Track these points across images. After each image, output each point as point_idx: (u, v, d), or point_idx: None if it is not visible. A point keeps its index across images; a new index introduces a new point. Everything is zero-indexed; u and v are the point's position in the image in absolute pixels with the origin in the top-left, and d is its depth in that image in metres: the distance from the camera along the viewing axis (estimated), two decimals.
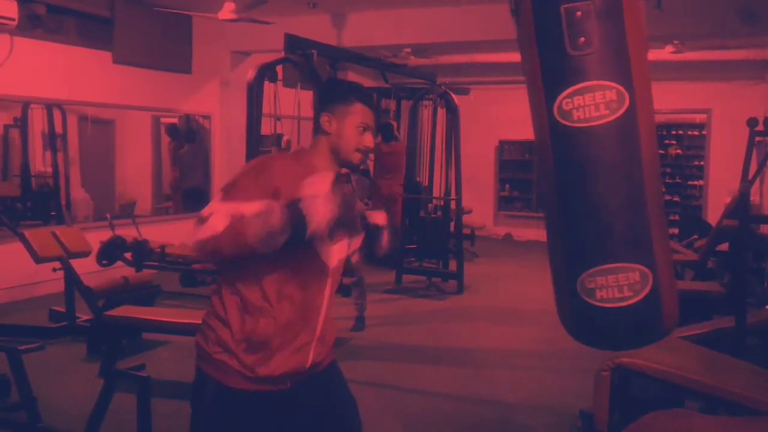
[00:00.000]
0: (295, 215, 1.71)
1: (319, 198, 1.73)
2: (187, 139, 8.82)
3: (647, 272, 1.98)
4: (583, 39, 1.98)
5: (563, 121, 2.00)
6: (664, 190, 11.12)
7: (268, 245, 1.71)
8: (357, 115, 1.97)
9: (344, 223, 1.84)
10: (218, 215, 1.75)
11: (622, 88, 1.97)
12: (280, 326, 1.87)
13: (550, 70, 2.03)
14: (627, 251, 2.01)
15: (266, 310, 1.86)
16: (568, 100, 1.99)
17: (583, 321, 2.08)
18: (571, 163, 2.04)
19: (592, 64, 1.99)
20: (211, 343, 1.90)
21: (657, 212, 2.05)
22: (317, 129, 2.01)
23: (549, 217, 2.18)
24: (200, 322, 1.99)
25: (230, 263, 1.86)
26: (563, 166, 2.06)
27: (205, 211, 1.79)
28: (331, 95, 2.03)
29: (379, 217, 2.06)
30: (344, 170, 2.02)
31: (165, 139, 8.88)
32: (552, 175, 2.08)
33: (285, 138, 6.44)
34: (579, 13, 1.98)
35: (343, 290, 6.33)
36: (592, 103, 1.97)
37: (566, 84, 1.99)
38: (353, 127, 1.97)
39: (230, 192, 1.84)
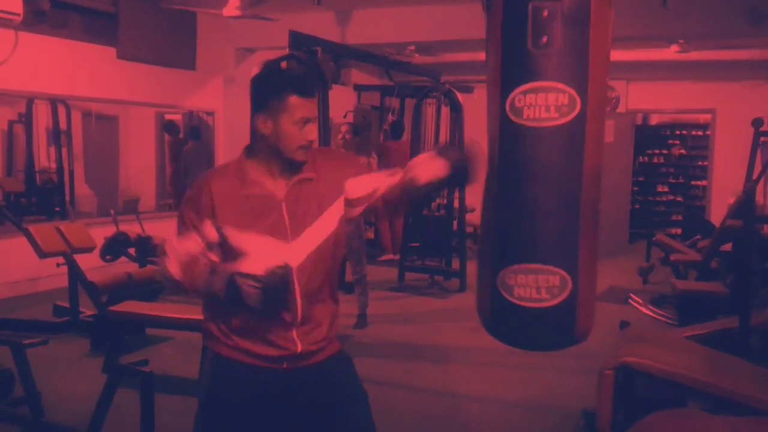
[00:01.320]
0: (231, 289, 1.77)
1: (248, 281, 1.75)
2: (191, 135, 8.83)
3: (567, 278, 1.99)
4: (545, 38, 1.98)
5: (513, 118, 2.01)
6: (662, 189, 11.01)
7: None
8: (293, 109, 1.81)
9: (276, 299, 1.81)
10: (171, 254, 1.84)
11: (575, 94, 1.97)
12: (247, 318, 1.87)
13: (509, 66, 2.03)
14: (552, 254, 2.02)
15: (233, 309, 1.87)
16: (521, 97, 1.99)
17: (499, 316, 2.12)
18: (514, 160, 2.06)
19: (549, 65, 1.99)
20: (207, 322, 1.98)
21: (589, 221, 2.06)
22: (253, 132, 1.89)
23: (485, 210, 2.19)
24: (203, 318, 2.03)
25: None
26: (506, 162, 2.07)
27: (166, 244, 1.87)
28: (261, 93, 1.86)
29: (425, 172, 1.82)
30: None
31: (167, 135, 8.89)
32: (495, 169, 2.10)
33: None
34: (546, 12, 1.98)
35: (345, 287, 6.34)
36: (543, 104, 1.97)
37: (522, 81, 1.99)
38: (291, 124, 1.82)
39: (178, 224, 1.93)
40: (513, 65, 2.03)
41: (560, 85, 1.97)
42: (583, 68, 1.99)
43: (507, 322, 2.12)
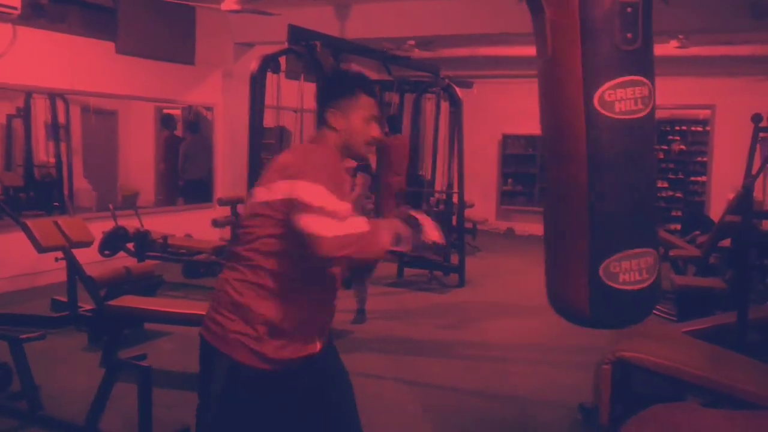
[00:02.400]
0: (413, 231, 1.87)
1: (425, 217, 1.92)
2: (189, 130, 8.82)
3: (656, 254, 2.15)
4: (630, 35, 2.08)
5: (605, 112, 2.07)
6: (662, 185, 11.12)
7: (386, 256, 1.88)
8: (363, 107, 1.97)
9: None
10: (356, 218, 1.79)
11: (651, 85, 2.11)
12: (302, 319, 1.92)
13: (595, 62, 2.10)
14: (646, 237, 2.16)
15: (293, 303, 1.89)
16: (611, 92, 2.07)
17: (602, 304, 2.18)
18: (610, 153, 2.12)
19: (634, 60, 2.11)
20: (228, 322, 1.90)
21: (656, 199, 2.29)
22: (322, 123, 1.99)
23: (569, 208, 2.22)
24: (202, 312, 2.01)
25: (272, 254, 1.87)
26: (600, 154, 2.13)
27: (336, 208, 1.76)
28: (335, 89, 2.01)
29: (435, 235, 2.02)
30: (349, 163, 2.04)
31: (164, 129, 8.87)
32: (583, 163, 2.14)
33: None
34: (630, 9, 2.08)
35: (344, 282, 6.33)
36: (632, 97, 2.09)
37: (611, 76, 2.08)
38: (361, 120, 1.96)
39: (337, 192, 1.81)
40: (601, 61, 2.11)
41: (641, 78, 2.10)
42: (652, 59, 2.15)
43: (615, 308, 2.20)
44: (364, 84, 2.01)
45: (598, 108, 2.07)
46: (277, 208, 1.83)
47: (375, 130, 1.99)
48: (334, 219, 1.74)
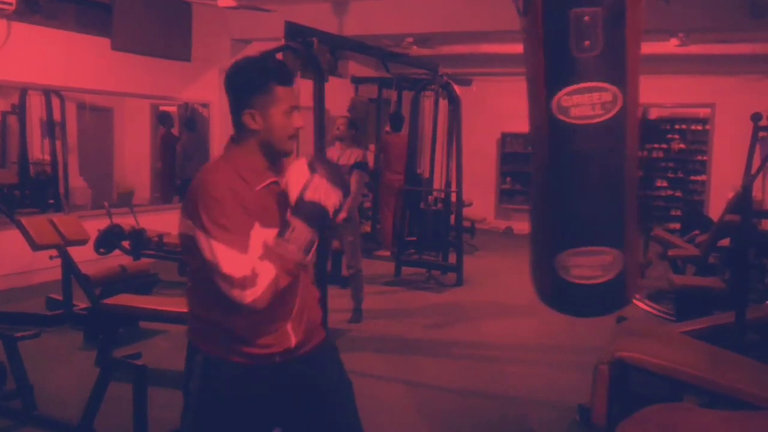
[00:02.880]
0: (314, 221, 1.76)
1: (318, 188, 1.76)
2: (187, 127, 8.79)
3: (618, 254, 2.24)
4: (587, 42, 2.15)
5: (561, 117, 2.18)
6: (661, 184, 11.17)
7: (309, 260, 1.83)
8: (281, 100, 1.81)
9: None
10: (260, 266, 1.73)
11: (617, 90, 2.17)
12: (252, 320, 1.83)
13: (553, 69, 2.21)
14: (604, 237, 2.27)
15: (233, 306, 1.79)
16: (567, 97, 2.17)
17: (559, 294, 2.36)
18: (565, 155, 2.26)
19: (592, 67, 2.18)
20: (198, 321, 1.92)
21: (632, 203, 2.32)
22: (239, 128, 1.85)
23: (535, 200, 2.44)
24: (195, 319, 1.97)
25: (199, 265, 1.81)
26: (557, 157, 2.27)
27: (237, 272, 1.71)
28: (245, 87, 1.82)
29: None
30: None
31: (161, 127, 8.84)
32: (545, 164, 2.31)
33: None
34: (587, 18, 2.14)
35: (340, 282, 6.32)
36: (589, 103, 2.17)
37: (567, 83, 2.18)
38: (281, 115, 1.82)
39: (230, 235, 1.74)
40: (557, 68, 2.21)
41: (603, 84, 2.17)
42: (622, 65, 2.20)
43: (566, 297, 2.36)
44: (276, 72, 1.83)
45: (556, 113, 2.18)
46: (190, 238, 1.80)
47: (297, 121, 1.84)
48: (244, 286, 1.71)
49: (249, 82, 1.83)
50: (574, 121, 2.17)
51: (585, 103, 2.16)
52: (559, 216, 2.31)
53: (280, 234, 1.77)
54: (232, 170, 1.83)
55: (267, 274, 1.73)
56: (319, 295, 2.08)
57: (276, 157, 1.89)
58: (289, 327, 1.90)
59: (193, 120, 8.77)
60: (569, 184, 2.27)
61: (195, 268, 1.87)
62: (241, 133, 1.87)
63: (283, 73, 1.84)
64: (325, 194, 1.77)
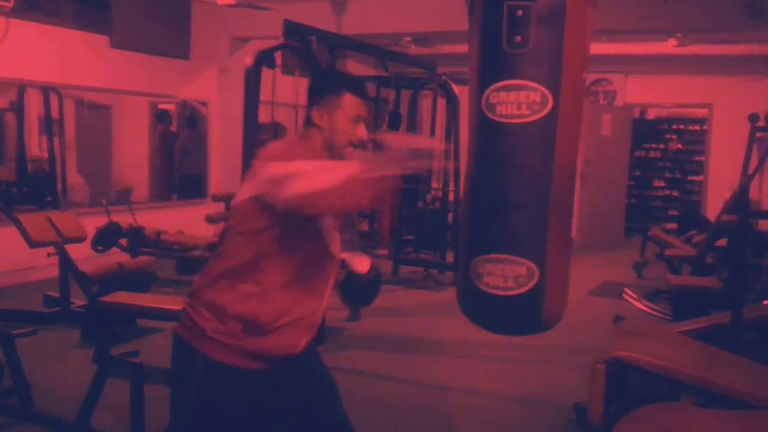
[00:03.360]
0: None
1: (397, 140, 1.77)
2: (187, 125, 8.78)
3: (534, 269, 2.08)
4: (519, 38, 2.06)
5: (488, 114, 2.10)
6: (659, 184, 11.17)
7: (378, 202, 1.83)
8: (348, 107, 1.93)
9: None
10: (319, 171, 1.70)
11: (547, 92, 2.04)
12: (279, 312, 1.86)
13: (485, 64, 2.13)
14: (519, 246, 2.12)
15: (267, 296, 1.84)
16: (495, 94, 2.09)
17: (471, 300, 2.27)
18: (488, 154, 2.16)
19: (522, 64, 2.08)
20: (204, 320, 1.87)
21: (560, 215, 2.15)
22: (308, 121, 1.97)
23: (463, 200, 2.36)
24: (200, 317, 1.95)
25: (243, 249, 1.83)
26: (481, 155, 2.18)
27: (288, 169, 1.71)
28: (321, 88, 1.99)
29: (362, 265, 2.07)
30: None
31: (159, 125, 8.83)
32: (472, 162, 2.21)
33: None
34: (520, 12, 2.05)
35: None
36: (515, 101, 2.07)
37: (496, 79, 2.08)
38: (346, 120, 1.93)
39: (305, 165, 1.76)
40: (489, 63, 2.12)
41: (532, 84, 2.04)
42: (556, 67, 2.06)
43: (477, 306, 2.25)
44: (351, 83, 1.98)
45: (484, 110, 2.10)
46: (259, 198, 1.79)
47: (361, 131, 1.95)
48: (290, 179, 1.68)
49: (325, 83, 2.02)
50: (499, 119, 2.08)
51: (511, 101, 2.07)
52: (478, 219, 2.20)
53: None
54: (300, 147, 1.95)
55: (320, 180, 1.69)
56: None
57: (333, 158, 1.95)
58: (305, 330, 1.93)
59: (193, 118, 8.77)
60: (490, 185, 2.16)
61: (241, 248, 1.84)
62: (308, 128, 1.97)
63: (358, 86, 2.00)
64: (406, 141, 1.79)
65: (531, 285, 2.08)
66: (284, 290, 1.86)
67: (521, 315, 2.17)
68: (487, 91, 2.09)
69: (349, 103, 1.93)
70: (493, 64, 2.11)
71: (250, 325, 1.84)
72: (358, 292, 2.09)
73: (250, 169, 1.88)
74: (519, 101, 2.06)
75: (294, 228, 1.82)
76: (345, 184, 1.66)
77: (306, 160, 1.78)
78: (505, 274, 2.09)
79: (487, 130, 2.12)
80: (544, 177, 2.09)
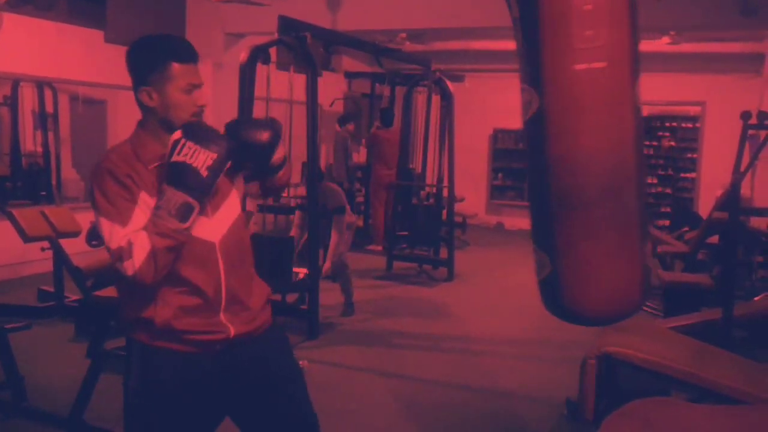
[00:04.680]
0: (181, 182, 1.70)
1: (183, 151, 1.70)
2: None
3: (546, 259, 2.23)
4: (516, 39, 2.19)
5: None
6: (651, 181, 11.19)
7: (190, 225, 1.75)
8: (178, 77, 1.77)
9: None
10: (136, 237, 1.69)
11: (534, 93, 2.12)
12: (177, 308, 1.80)
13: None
14: (537, 236, 2.30)
15: (160, 297, 1.79)
16: (521, 93, 2.21)
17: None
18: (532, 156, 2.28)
19: (520, 65, 2.19)
20: (132, 312, 1.85)
21: (562, 212, 2.19)
22: (141, 108, 1.84)
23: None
24: (125, 310, 1.93)
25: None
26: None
27: (114, 243, 1.71)
28: (141, 65, 1.80)
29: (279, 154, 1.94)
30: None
31: None
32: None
33: None
34: (513, 14, 2.17)
35: (332, 276, 6.33)
36: (522, 101, 2.20)
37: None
38: (179, 92, 1.78)
39: (111, 207, 1.73)
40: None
41: (524, 85, 2.18)
42: (537, 68, 2.11)
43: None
44: (174, 49, 1.80)
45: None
46: None
47: (200, 98, 1.81)
48: (122, 258, 1.69)
49: (145, 60, 1.81)
50: (523, 117, 2.21)
51: (522, 100, 2.20)
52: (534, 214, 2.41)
53: (156, 204, 1.73)
54: (130, 149, 1.82)
55: (142, 244, 1.68)
56: (256, 278, 1.99)
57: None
58: (222, 317, 1.84)
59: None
60: (531, 185, 2.34)
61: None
62: (143, 112, 1.85)
63: (182, 50, 1.80)
64: (192, 154, 1.70)
65: (545, 273, 2.24)
66: (173, 288, 1.80)
67: (545, 298, 2.40)
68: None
69: (178, 73, 1.77)
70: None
71: (159, 315, 1.80)
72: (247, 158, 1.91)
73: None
74: (522, 101, 2.22)
75: None
76: (151, 257, 1.69)
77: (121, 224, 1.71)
78: (537, 261, 2.33)
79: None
80: (540, 173, 2.21)
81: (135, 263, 1.69)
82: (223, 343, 1.86)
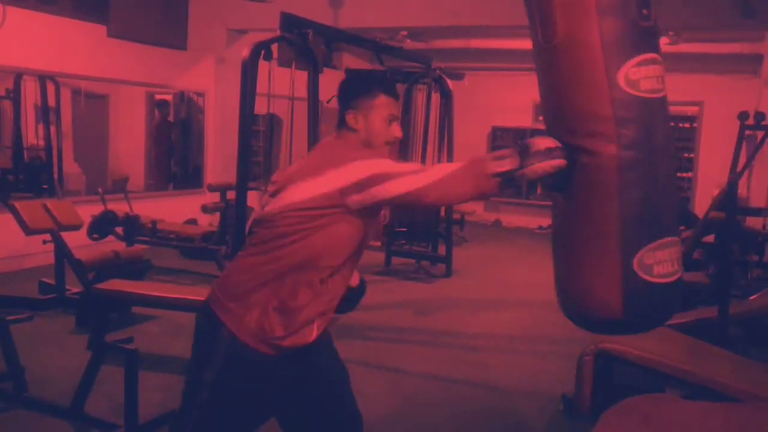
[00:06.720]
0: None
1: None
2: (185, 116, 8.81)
3: (680, 243, 1.96)
4: (645, 11, 1.95)
5: (630, 90, 1.90)
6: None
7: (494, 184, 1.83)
8: (382, 107, 1.96)
9: None
10: (433, 168, 1.81)
11: (662, 64, 1.96)
12: (322, 301, 1.92)
13: (616, 40, 1.92)
14: (674, 224, 1.95)
15: (315, 285, 1.89)
16: (636, 69, 1.91)
17: (637, 301, 1.92)
18: (640, 137, 1.91)
19: (653, 37, 1.97)
20: (230, 298, 1.89)
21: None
22: (342, 124, 1.98)
23: (592, 194, 1.97)
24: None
25: (297, 249, 1.85)
26: (631, 139, 1.90)
27: (407, 167, 1.82)
28: (353, 90, 2.00)
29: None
30: None
31: (159, 115, 8.85)
32: (614, 148, 1.90)
33: None
34: None
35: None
36: (654, 75, 1.93)
37: (634, 54, 1.91)
38: (380, 121, 1.96)
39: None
40: (620, 39, 1.93)
41: (659, 56, 1.96)
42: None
43: (646, 304, 1.95)
44: (384, 83, 2.01)
45: (624, 86, 1.90)
46: (330, 198, 1.80)
47: (396, 130, 1.99)
48: (416, 174, 1.78)
49: (357, 85, 2.03)
50: (645, 95, 1.94)
51: (651, 75, 1.95)
52: (633, 207, 1.94)
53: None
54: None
55: (440, 169, 1.82)
56: None
57: None
58: (317, 322, 1.96)
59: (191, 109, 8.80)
60: (642, 168, 1.96)
61: (278, 241, 1.86)
62: (342, 131, 1.99)
63: (390, 86, 2.02)
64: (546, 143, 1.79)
65: (681, 262, 1.98)
66: (332, 279, 1.93)
67: (677, 297, 2.01)
68: (625, 67, 1.91)
69: (383, 103, 1.96)
70: (627, 39, 1.94)
71: (285, 310, 1.87)
72: (345, 301, 2.15)
73: (299, 173, 1.88)
74: (657, 74, 1.95)
75: (356, 224, 1.86)
76: (451, 178, 1.78)
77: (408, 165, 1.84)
78: (672, 258, 1.90)
79: (632, 108, 1.91)
80: (673, 148, 2.03)
81: (433, 176, 1.79)
82: (298, 348, 1.94)
